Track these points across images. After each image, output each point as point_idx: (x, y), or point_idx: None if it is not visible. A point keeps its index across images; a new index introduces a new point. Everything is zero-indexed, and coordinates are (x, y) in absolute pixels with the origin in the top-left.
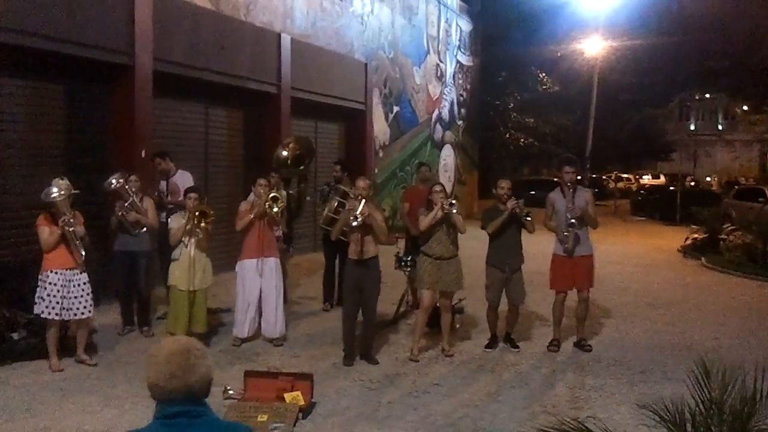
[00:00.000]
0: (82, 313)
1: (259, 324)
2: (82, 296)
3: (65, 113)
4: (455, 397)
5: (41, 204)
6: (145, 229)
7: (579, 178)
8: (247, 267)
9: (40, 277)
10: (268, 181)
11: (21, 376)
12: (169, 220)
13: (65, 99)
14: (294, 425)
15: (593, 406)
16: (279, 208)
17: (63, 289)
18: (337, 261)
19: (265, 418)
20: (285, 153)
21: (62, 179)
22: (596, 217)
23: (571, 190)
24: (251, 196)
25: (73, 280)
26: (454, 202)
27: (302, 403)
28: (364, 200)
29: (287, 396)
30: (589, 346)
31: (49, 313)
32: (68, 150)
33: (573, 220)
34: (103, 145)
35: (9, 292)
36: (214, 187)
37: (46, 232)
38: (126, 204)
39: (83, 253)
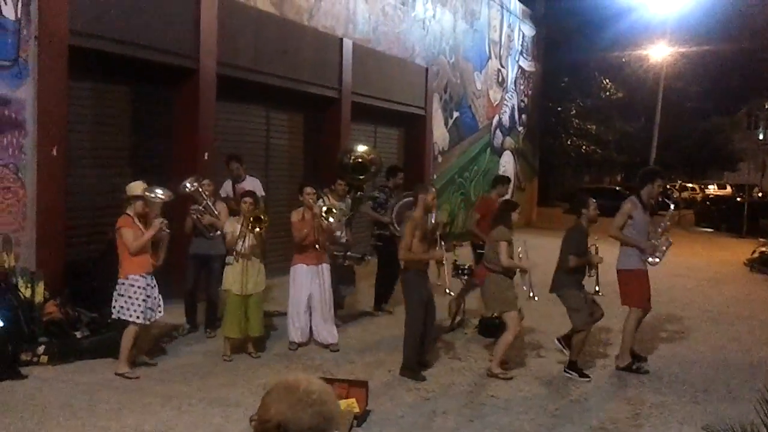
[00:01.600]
0: (159, 313)
1: (311, 329)
2: (158, 297)
3: (131, 115)
4: (512, 410)
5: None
6: (219, 232)
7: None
8: (299, 272)
9: (125, 281)
10: (314, 188)
11: (83, 375)
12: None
13: (131, 101)
14: None
15: (654, 424)
16: (334, 219)
17: (146, 293)
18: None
19: None
20: (347, 159)
21: (143, 183)
22: None
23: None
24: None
25: (152, 283)
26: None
27: (357, 410)
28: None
29: (342, 403)
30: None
31: (137, 316)
32: (133, 152)
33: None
34: (167, 147)
35: (74, 291)
36: (275, 191)
37: (131, 234)
38: (200, 207)
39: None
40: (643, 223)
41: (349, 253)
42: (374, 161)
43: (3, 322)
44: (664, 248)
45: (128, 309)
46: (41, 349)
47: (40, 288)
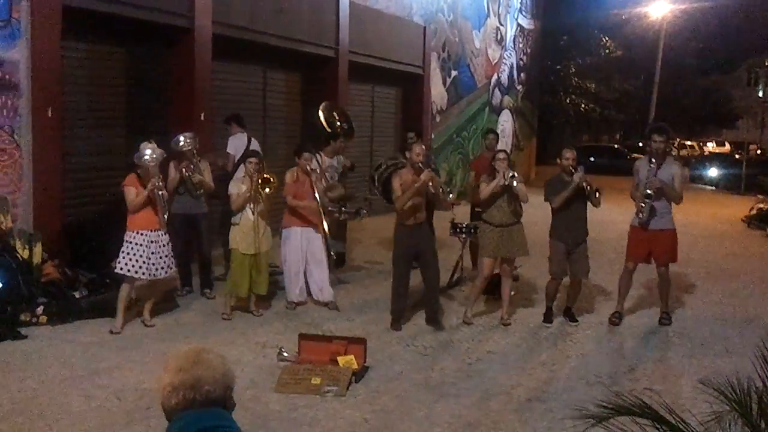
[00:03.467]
0: (166, 272)
1: (308, 288)
2: (166, 255)
3: (126, 76)
4: (509, 366)
5: (127, 165)
6: (202, 191)
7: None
8: (293, 234)
9: (126, 236)
10: (312, 154)
11: (82, 334)
12: (230, 185)
13: (126, 62)
14: (347, 389)
15: (651, 378)
16: (337, 195)
17: (147, 250)
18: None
19: (318, 381)
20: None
21: (150, 142)
22: (681, 193)
23: (654, 161)
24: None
25: (157, 241)
26: (515, 174)
27: (356, 367)
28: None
29: (341, 360)
30: (667, 320)
31: (136, 272)
32: (129, 112)
33: (649, 191)
34: (164, 107)
35: (72, 251)
36: (272, 151)
37: (133, 193)
38: (191, 165)
39: (166, 215)
40: (643, 180)
41: (344, 209)
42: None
43: (1, 283)
44: (642, 204)
45: (126, 263)
46: (40, 309)
47: (38, 249)
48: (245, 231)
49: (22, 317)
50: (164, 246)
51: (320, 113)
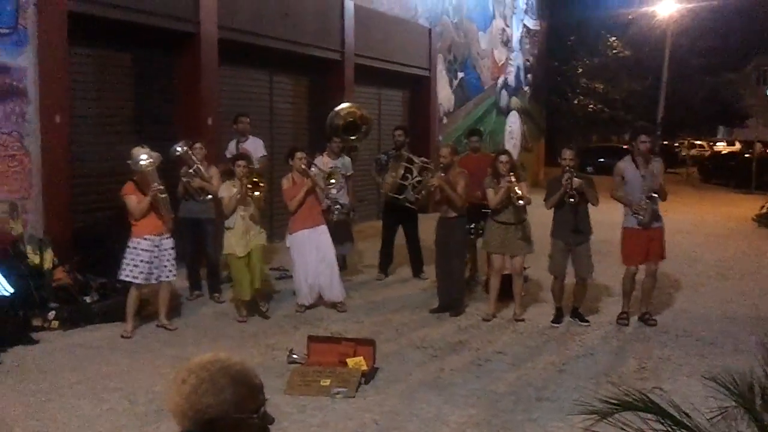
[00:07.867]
0: (167, 277)
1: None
2: (168, 260)
3: (133, 82)
4: (518, 366)
5: (131, 172)
6: (210, 196)
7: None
8: (299, 238)
9: (130, 243)
10: (305, 153)
11: (93, 339)
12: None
13: (132, 67)
14: (356, 390)
15: (660, 378)
16: (336, 181)
17: (151, 255)
18: (398, 231)
19: (328, 382)
20: (338, 120)
21: (143, 147)
22: (666, 189)
23: (644, 161)
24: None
25: (161, 245)
26: (522, 197)
27: (365, 368)
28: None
29: (350, 361)
30: (654, 320)
31: (135, 277)
32: (136, 118)
33: (654, 194)
34: (170, 113)
35: (83, 257)
36: (279, 155)
37: (134, 201)
38: (190, 170)
39: (172, 217)
40: (636, 180)
41: (337, 206)
42: (364, 120)
43: (13, 289)
44: (644, 207)
45: (130, 270)
46: (52, 314)
47: (49, 254)
48: (238, 234)
49: (34, 322)
50: (168, 250)
51: (342, 113)
